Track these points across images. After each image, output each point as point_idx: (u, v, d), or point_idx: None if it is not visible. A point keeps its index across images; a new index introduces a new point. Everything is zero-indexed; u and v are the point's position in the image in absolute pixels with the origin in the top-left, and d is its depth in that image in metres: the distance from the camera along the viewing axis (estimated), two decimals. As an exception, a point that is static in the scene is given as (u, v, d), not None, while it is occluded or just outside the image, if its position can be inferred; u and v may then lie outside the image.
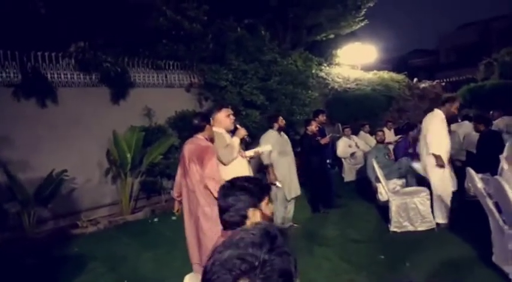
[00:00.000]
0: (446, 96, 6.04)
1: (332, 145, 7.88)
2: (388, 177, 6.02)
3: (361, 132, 9.87)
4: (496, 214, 3.54)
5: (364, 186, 7.16)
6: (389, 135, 9.23)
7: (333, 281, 3.90)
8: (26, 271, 4.64)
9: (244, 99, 8.36)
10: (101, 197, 6.97)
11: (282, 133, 5.72)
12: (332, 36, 13.97)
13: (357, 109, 11.46)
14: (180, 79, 8.42)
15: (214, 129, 3.78)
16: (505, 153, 4.76)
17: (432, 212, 5.00)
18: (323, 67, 12.70)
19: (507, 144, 4.92)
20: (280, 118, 5.71)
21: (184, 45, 8.46)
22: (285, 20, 12.44)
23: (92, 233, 6.12)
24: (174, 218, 6.28)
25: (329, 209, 6.40)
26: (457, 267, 3.88)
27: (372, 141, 8.67)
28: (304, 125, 6.52)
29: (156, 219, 6.65)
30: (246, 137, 3.99)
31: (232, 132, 3.94)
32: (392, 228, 5.06)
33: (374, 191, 6.37)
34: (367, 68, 15.29)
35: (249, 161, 4.10)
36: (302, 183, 5.75)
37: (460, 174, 5.30)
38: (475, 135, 6.71)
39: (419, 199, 5.01)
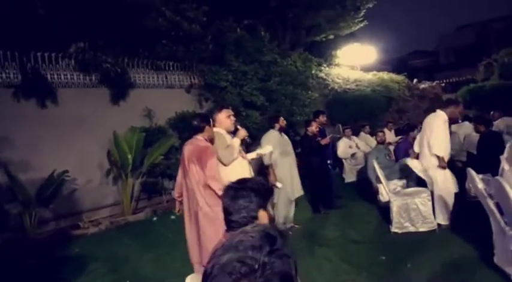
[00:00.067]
0: (448, 98, 6.05)
1: (332, 146, 7.88)
2: (388, 177, 6.02)
3: (362, 133, 9.87)
4: (497, 215, 3.54)
5: (365, 187, 7.16)
6: (390, 136, 9.23)
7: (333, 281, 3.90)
8: (27, 272, 4.63)
9: (244, 100, 8.36)
10: (102, 197, 6.96)
11: (283, 133, 5.73)
12: (331, 37, 13.98)
13: (356, 110, 11.46)
14: (180, 80, 8.43)
15: (215, 130, 3.78)
16: (505, 154, 4.77)
17: (433, 212, 5.00)
18: (323, 68, 12.72)
19: (508, 145, 4.92)
20: (281, 118, 5.72)
21: (184, 46, 8.47)
22: (284, 21, 12.46)
23: (93, 233, 6.11)
24: (172, 217, 6.34)
25: (329, 209, 6.40)
26: (458, 268, 3.87)
27: (373, 142, 8.68)
28: (305, 125, 6.53)
29: (156, 219, 6.65)
30: (246, 137, 3.99)
31: (233, 133, 3.95)
32: (393, 229, 5.06)
33: (375, 192, 6.37)
34: (366, 69, 15.29)
35: (249, 162, 4.11)
36: (302, 184, 5.75)
37: (460, 175, 5.29)
38: (476, 136, 6.71)
39: (421, 200, 5.01)
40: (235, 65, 8.44)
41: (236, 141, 3.85)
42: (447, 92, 16.87)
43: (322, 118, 6.74)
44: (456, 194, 5.08)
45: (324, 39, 13.86)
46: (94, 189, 6.84)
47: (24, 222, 5.69)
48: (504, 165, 4.66)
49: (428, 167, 5.09)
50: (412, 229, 5.01)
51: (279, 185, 5.09)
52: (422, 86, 15.78)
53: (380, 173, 5.60)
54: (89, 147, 6.75)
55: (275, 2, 11.39)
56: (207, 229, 3.41)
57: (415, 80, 15.97)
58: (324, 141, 6.26)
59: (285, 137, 5.76)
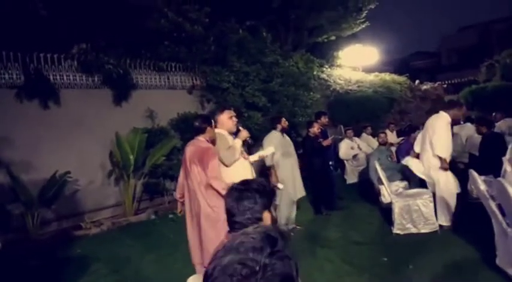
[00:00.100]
0: (451, 99, 6.05)
1: (334, 147, 7.87)
2: (390, 179, 6.02)
3: (364, 134, 9.85)
4: (499, 216, 3.53)
5: (367, 188, 7.15)
6: (392, 137, 9.22)
7: (335, 283, 3.90)
8: (29, 272, 4.65)
9: (246, 101, 8.37)
10: (104, 198, 6.98)
11: (285, 134, 5.73)
12: (333, 38, 13.96)
13: (358, 111, 11.44)
14: (182, 81, 8.44)
15: (217, 131, 3.79)
16: (507, 156, 4.77)
17: (435, 214, 4.99)
18: (324, 69, 12.71)
19: (510, 146, 4.93)
20: (283, 119, 5.73)
21: (186, 47, 8.48)
22: (286, 22, 12.46)
23: (95, 234, 6.13)
24: (171, 216, 6.37)
25: (331, 211, 6.39)
26: (460, 269, 3.86)
27: (374, 143, 8.68)
28: (306, 126, 6.52)
29: (158, 220, 6.66)
30: (248, 138, 4.00)
31: (235, 134, 3.95)
32: (395, 230, 5.05)
33: (376, 193, 6.37)
34: (368, 70, 15.28)
35: (251, 163, 4.11)
36: (304, 185, 5.75)
37: (462, 177, 5.28)
38: (478, 138, 6.71)
39: (422, 201, 5.00)
40: (237, 66, 8.44)
41: (238, 142, 3.85)
42: (449, 93, 16.84)
43: (324, 119, 6.74)
44: (458, 196, 5.07)
45: (326, 40, 13.85)
46: (96, 190, 6.85)
47: (26, 223, 5.71)
48: (506, 166, 4.65)
49: (429, 167, 5.09)
50: (414, 230, 5.00)
51: (280, 186, 5.08)
52: (424, 87, 15.74)
53: (382, 174, 5.59)
54: (91, 148, 6.77)
55: (277, 3, 11.39)
56: (208, 231, 3.41)
57: (417, 81, 15.94)
58: (325, 143, 6.26)
59: (287, 138, 5.76)
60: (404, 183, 6.23)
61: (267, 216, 1.69)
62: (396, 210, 5.06)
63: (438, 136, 4.93)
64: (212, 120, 3.76)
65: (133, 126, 7.06)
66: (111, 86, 7.19)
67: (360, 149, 9.06)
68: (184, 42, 8.52)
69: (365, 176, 7.67)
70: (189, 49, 8.48)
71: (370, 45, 15.69)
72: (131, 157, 6.65)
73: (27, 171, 5.97)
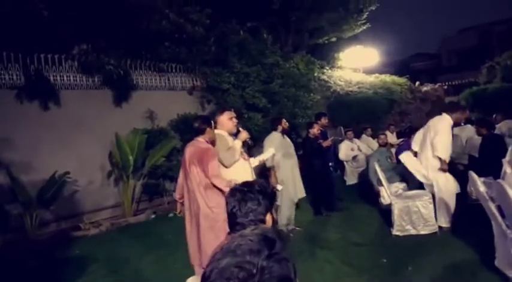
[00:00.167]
0: (451, 101, 6.05)
1: (334, 148, 7.86)
2: (390, 180, 6.02)
3: (363, 136, 9.85)
4: (499, 218, 3.52)
5: (366, 189, 7.15)
6: (392, 139, 9.20)
7: (335, 284, 3.90)
8: (27, 273, 4.65)
9: (246, 102, 8.37)
10: (103, 199, 6.98)
11: (285, 135, 5.73)
12: (334, 39, 13.97)
13: (359, 112, 11.44)
14: (182, 82, 8.45)
15: (217, 132, 3.79)
16: (507, 157, 4.75)
17: (435, 215, 4.99)
18: (325, 70, 12.72)
19: (510, 148, 4.91)
20: (284, 120, 5.74)
21: (187, 48, 8.49)
22: (287, 23, 12.47)
23: (94, 235, 6.13)
24: (170, 215, 6.37)
25: (331, 212, 6.39)
26: (459, 271, 3.86)
27: (374, 144, 8.67)
28: (307, 128, 6.53)
29: (157, 221, 6.65)
30: (248, 140, 3.99)
31: (235, 135, 3.95)
32: (395, 231, 5.05)
33: (376, 194, 6.37)
34: (369, 71, 15.28)
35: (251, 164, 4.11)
36: (304, 186, 5.75)
37: (462, 178, 5.28)
38: (478, 139, 6.69)
39: (422, 202, 5.00)
40: (237, 67, 8.45)
41: (238, 143, 3.85)
42: (449, 94, 16.82)
43: (324, 120, 6.74)
44: (458, 197, 5.07)
45: (326, 41, 13.86)
46: (95, 191, 6.85)
47: (25, 224, 5.70)
48: (506, 168, 4.64)
49: (427, 167, 5.09)
50: (413, 232, 4.99)
51: (279, 187, 5.08)
52: (424, 88, 15.73)
53: (381, 176, 5.59)
54: (90, 149, 6.77)
55: (278, 4, 11.40)
56: (207, 232, 3.41)
57: (417, 83, 15.93)
58: (325, 144, 6.26)
59: (287, 139, 5.77)
60: (403, 185, 6.23)
61: (268, 218, 1.68)
62: (396, 211, 5.06)
63: (440, 138, 4.93)
64: (212, 121, 3.76)
65: (133, 127, 7.07)
66: (112, 86, 7.20)
67: (360, 151, 9.06)
68: (185, 43, 8.53)
69: (365, 177, 7.67)
70: (189, 50, 8.49)
71: (370, 46, 15.70)
72: (131, 158, 6.65)
73: (26, 171, 5.97)
